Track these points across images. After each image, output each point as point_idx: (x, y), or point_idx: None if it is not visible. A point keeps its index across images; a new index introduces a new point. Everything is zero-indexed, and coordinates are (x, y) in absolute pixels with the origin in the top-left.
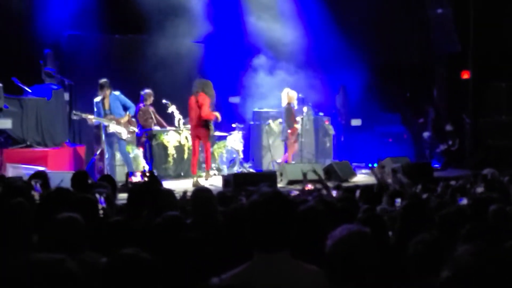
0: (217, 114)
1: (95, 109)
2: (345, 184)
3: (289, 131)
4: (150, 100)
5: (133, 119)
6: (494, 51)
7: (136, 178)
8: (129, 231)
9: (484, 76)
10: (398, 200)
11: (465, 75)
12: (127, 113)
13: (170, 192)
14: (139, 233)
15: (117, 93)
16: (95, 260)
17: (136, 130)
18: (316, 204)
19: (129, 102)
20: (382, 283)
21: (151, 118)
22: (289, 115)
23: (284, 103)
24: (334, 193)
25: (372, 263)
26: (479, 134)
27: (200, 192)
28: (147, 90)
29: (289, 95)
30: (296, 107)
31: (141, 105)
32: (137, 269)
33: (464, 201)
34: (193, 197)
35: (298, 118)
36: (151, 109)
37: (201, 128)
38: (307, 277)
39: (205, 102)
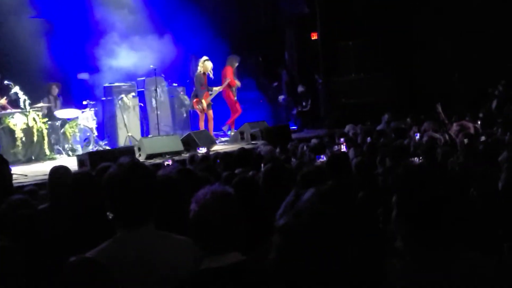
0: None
1: None
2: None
3: (194, 100)
4: None
5: None
6: (340, 11)
7: None
8: None
9: (332, 36)
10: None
11: (314, 36)
12: None
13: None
14: None
15: None
16: None
17: None
18: (176, 173)
19: None
20: (251, 246)
21: None
22: (197, 83)
23: (198, 71)
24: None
25: (239, 226)
26: (332, 94)
27: (56, 171)
28: None
29: (204, 64)
30: (212, 77)
31: None
32: None
33: (323, 159)
34: (49, 178)
35: (216, 88)
36: None
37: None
38: (176, 247)
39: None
